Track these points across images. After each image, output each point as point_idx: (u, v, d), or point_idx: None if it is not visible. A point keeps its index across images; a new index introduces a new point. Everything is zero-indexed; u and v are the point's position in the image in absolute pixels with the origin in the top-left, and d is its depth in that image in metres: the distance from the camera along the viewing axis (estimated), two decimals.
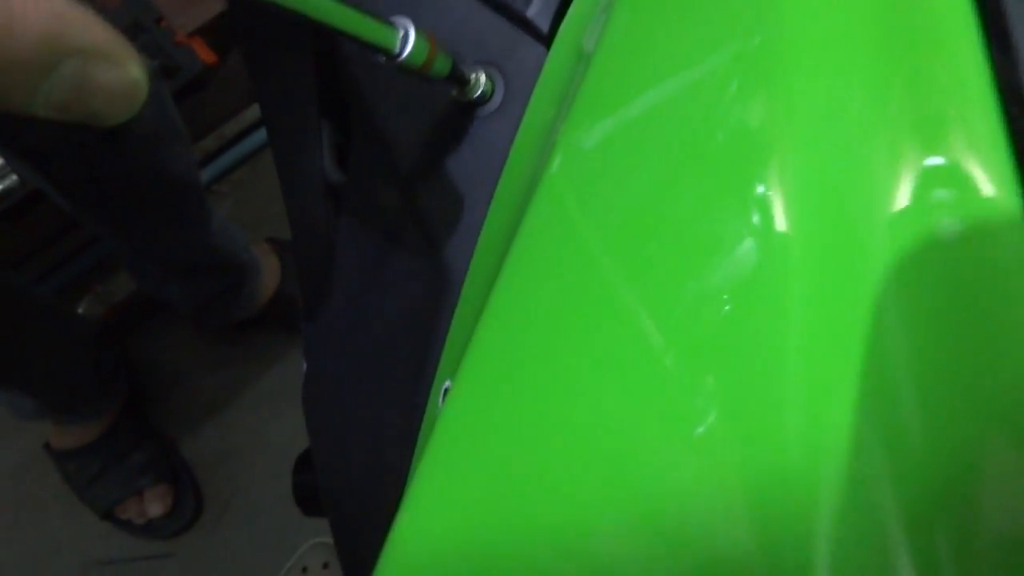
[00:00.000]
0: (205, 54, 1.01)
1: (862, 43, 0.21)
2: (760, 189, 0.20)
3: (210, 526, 1.08)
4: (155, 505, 1.05)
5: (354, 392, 0.34)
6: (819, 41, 0.21)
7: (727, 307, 0.20)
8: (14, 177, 0.96)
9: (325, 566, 1.01)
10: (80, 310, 1.13)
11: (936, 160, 0.19)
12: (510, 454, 0.22)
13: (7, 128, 0.70)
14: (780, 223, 0.19)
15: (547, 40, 0.31)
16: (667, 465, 0.19)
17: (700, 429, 0.19)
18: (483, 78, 0.31)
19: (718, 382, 0.19)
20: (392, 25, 0.27)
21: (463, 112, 0.32)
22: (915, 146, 0.19)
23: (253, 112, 1.19)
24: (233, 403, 1.12)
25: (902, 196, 0.19)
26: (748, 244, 0.20)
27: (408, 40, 0.27)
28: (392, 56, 0.27)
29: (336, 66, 0.36)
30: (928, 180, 0.19)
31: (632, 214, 0.22)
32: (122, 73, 0.17)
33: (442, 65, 0.29)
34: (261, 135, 1.20)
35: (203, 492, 1.10)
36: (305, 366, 0.37)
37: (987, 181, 0.18)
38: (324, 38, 0.36)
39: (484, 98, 0.32)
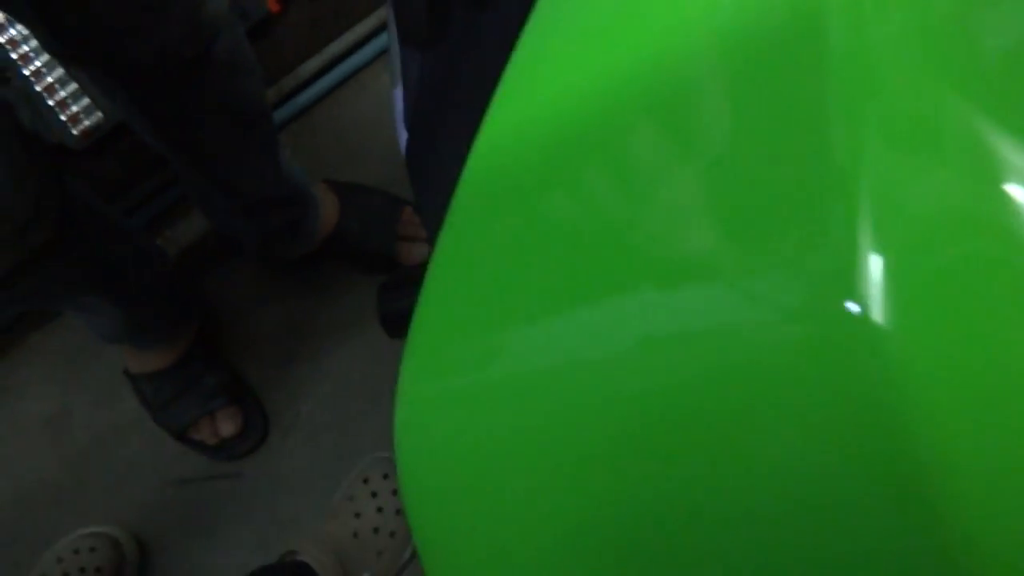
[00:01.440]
0: (270, 2, 1.10)
1: None
2: None
3: (275, 447, 1.16)
4: (227, 425, 1.12)
5: (454, 151, 0.40)
6: None
7: None
8: (99, 114, 1.05)
9: (385, 476, 1.07)
10: None
11: None
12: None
13: (108, 47, 0.78)
14: None
15: None
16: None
17: None
18: None
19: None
20: None
21: None
22: None
23: (309, 67, 1.27)
24: (295, 334, 1.20)
25: None
26: None
27: None
28: None
29: None
30: None
31: None
32: None
33: None
34: (317, 89, 1.28)
35: (268, 416, 1.17)
36: (405, 136, 0.44)
37: None
38: None
39: None
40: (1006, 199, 0.17)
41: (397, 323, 0.58)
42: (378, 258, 1.17)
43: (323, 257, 1.18)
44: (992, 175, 0.18)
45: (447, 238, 0.29)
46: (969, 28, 0.20)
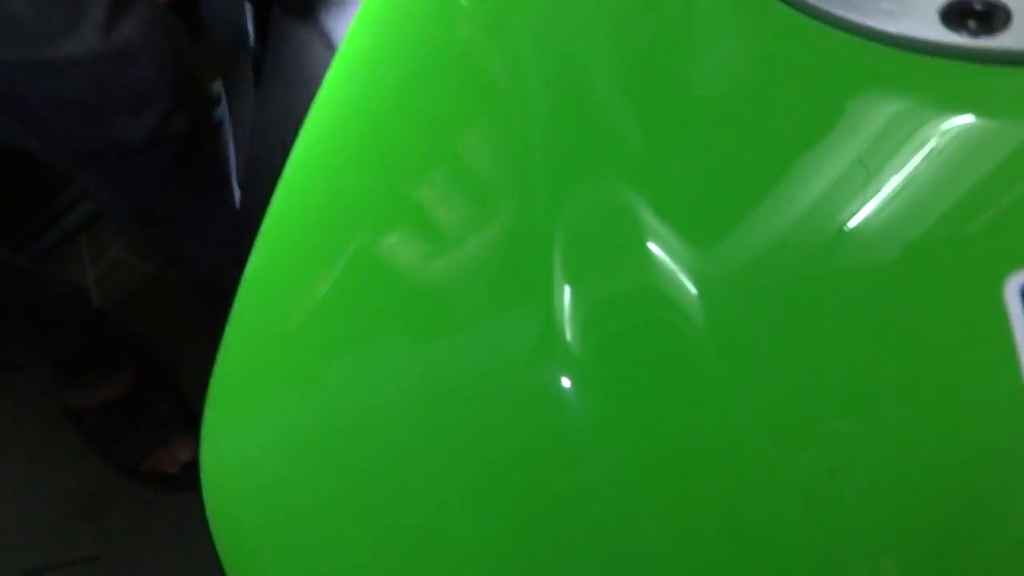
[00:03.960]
0: None
1: None
2: None
3: (137, 524, 1.10)
4: (186, 452, 1.09)
5: None
6: None
7: None
8: None
9: None
10: None
11: None
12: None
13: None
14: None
15: None
16: None
17: None
18: None
19: None
20: None
21: None
22: None
23: None
24: None
25: None
26: None
27: None
28: None
29: None
30: None
31: None
32: None
33: None
34: None
35: None
36: (238, 194, 0.45)
37: None
38: None
39: None
40: (651, 256, 0.23)
41: None
42: None
43: None
44: (639, 238, 0.23)
45: (247, 285, 0.30)
46: (625, 126, 0.25)
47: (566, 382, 0.23)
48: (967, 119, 0.21)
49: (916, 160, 0.21)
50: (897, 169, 0.21)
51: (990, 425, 0.20)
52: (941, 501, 0.20)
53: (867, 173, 0.21)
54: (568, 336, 0.23)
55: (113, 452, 1.09)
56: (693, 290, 0.22)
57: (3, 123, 0.70)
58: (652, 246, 0.23)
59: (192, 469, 1.08)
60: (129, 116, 0.71)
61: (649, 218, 0.23)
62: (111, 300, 1.21)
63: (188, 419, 1.11)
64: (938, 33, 0.22)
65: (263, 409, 0.28)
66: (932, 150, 0.21)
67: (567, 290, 0.23)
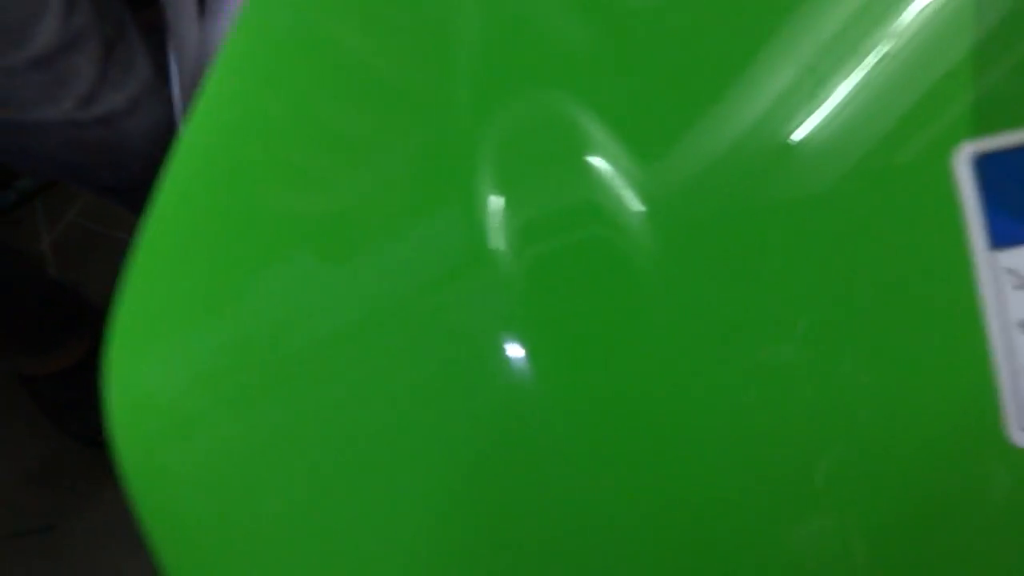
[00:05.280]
0: None
1: None
2: None
3: (91, 495, 1.08)
4: None
5: None
6: None
7: None
8: None
9: None
10: None
11: None
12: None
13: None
14: None
15: None
16: None
17: None
18: None
19: None
20: None
21: None
22: None
23: None
24: None
25: None
26: None
27: None
28: None
29: None
30: None
31: None
32: None
33: None
34: None
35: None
36: None
37: None
38: None
39: None
40: (590, 169, 0.21)
41: None
42: None
43: None
44: (578, 150, 0.22)
45: (154, 214, 0.28)
46: (560, 32, 0.24)
47: (494, 293, 0.21)
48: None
49: (862, 52, 0.20)
50: (841, 67, 0.20)
51: (940, 299, 0.20)
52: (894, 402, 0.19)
53: (814, 77, 0.20)
54: (496, 245, 0.22)
55: (68, 420, 1.07)
56: (636, 206, 0.21)
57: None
58: (591, 159, 0.22)
59: None
60: (111, 171, 0.69)
61: (590, 129, 0.22)
62: (66, 265, 1.19)
63: None
64: None
65: (173, 341, 0.26)
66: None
67: (497, 199, 0.22)
